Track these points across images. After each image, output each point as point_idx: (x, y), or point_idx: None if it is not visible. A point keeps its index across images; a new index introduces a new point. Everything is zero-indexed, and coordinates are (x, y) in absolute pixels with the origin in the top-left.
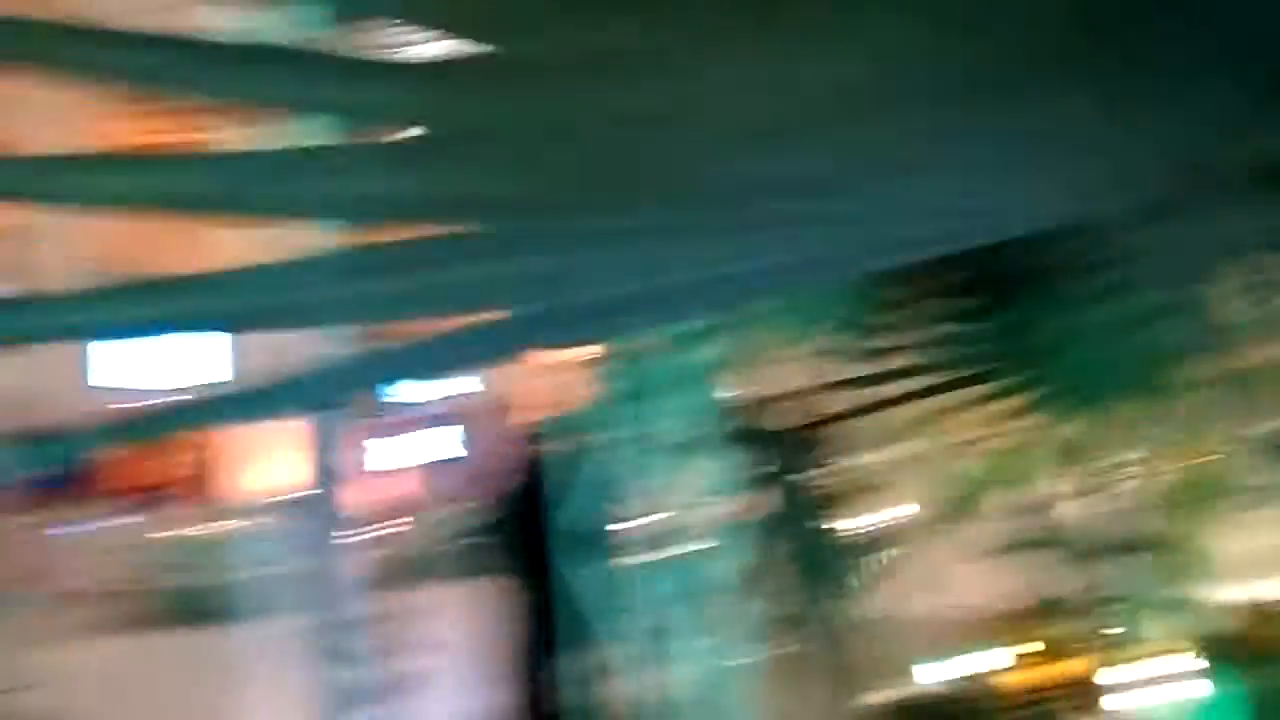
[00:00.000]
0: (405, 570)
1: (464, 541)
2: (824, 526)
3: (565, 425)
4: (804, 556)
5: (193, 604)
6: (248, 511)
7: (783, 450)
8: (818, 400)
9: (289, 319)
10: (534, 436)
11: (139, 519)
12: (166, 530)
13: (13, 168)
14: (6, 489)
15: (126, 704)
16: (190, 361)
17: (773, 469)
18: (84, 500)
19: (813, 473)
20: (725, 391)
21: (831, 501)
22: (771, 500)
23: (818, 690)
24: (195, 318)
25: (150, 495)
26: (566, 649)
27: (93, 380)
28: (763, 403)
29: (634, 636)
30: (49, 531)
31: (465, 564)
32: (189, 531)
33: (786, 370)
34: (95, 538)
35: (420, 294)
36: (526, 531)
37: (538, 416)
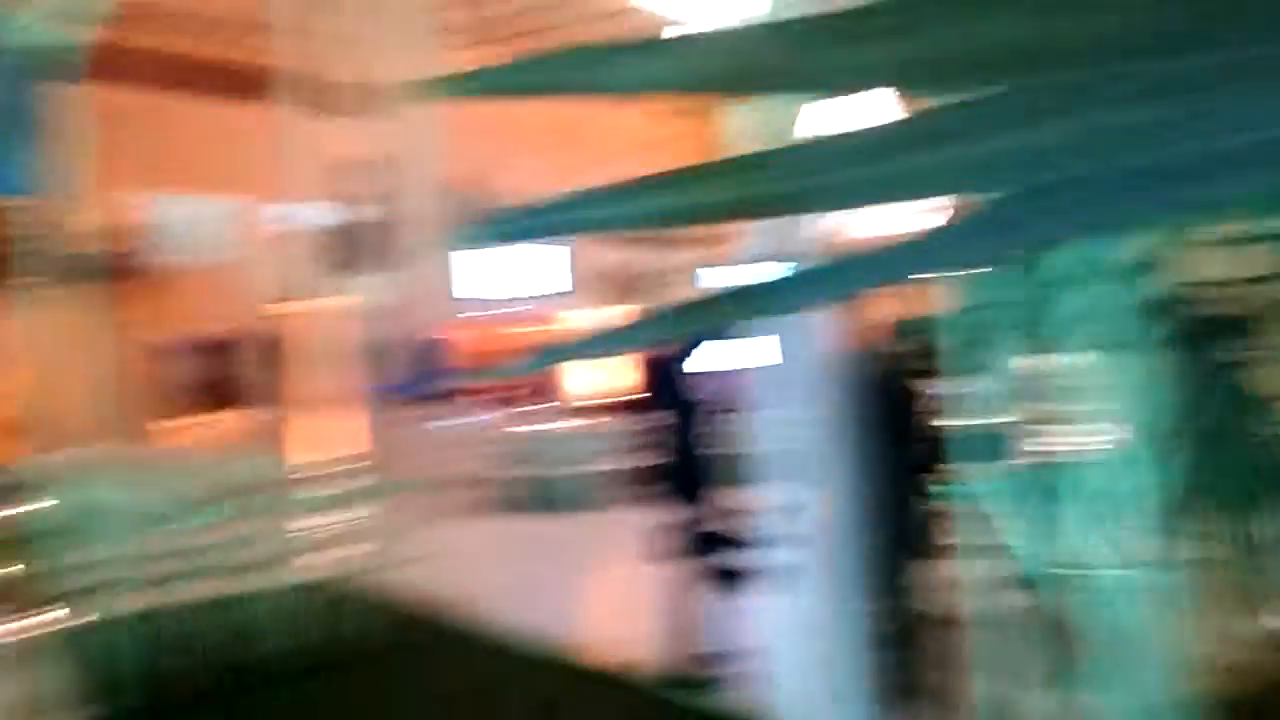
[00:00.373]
0: (766, 466)
1: (819, 442)
2: (1251, 431)
3: (951, 323)
4: (1225, 464)
5: (547, 493)
6: (588, 411)
7: (1207, 348)
8: (1251, 291)
9: (825, 200)
10: (905, 333)
11: (500, 416)
12: (523, 426)
13: (542, 64)
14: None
15: (491, 580)
16: (536, 272)
17: (1195, 369)
18: (453, 401)
19: (1241, 373)
20: (1147, 283)
21: (1261, 404)
22: (1192, 403)
23: (1231, 610)
24: (726, 205)
25: (507, 395)
26: (944, 556)
27: (457, 292)
28: (1189, 295)
29: (1030, 547)
30: (428, 427)
31: (820, 464)
32: (542, 428)
33: (1216, 258)
34: (464, 433)
35: (955, 167)
36: (889, 432)
37: (908, 314)
